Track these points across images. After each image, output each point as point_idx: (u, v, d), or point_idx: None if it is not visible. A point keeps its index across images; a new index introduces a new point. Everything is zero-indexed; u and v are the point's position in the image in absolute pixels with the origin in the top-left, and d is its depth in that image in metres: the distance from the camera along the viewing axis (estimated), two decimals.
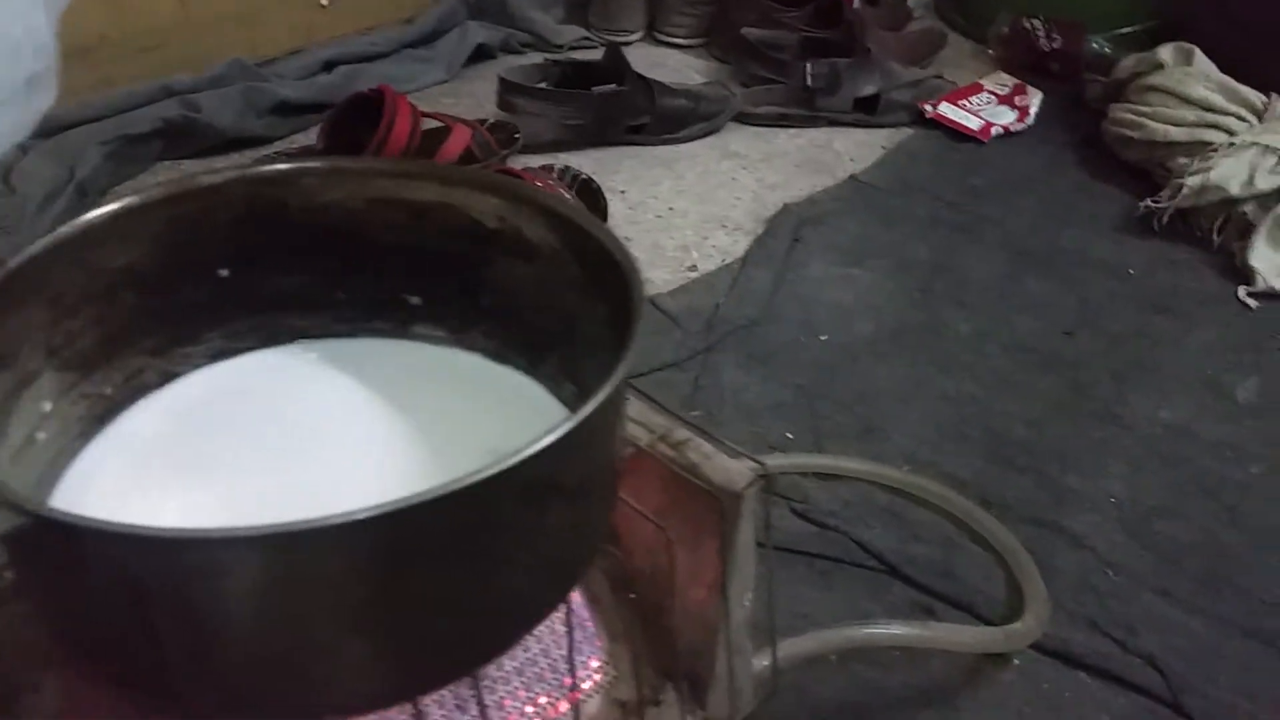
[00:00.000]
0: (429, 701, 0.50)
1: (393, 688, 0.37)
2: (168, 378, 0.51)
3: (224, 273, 0.49)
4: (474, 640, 0.37)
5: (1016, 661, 0.77)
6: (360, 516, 0.32)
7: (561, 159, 1.32)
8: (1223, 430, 1.00)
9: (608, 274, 0.41)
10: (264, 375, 0.51)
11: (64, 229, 0.44)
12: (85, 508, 0.45)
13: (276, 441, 0.48)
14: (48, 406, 0.46)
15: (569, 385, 0.49)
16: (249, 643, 0.36)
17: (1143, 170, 1.34)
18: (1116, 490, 0.92)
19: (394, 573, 0.34)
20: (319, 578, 0.34)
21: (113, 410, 0.49)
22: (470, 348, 0.52)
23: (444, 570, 0.35)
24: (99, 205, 0.45)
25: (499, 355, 0.51)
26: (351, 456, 0.48)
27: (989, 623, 0.80)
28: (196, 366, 0.51)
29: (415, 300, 0.51)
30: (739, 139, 1.45)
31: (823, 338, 1.09)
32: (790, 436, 0.97)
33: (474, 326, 0.51)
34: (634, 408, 0.56)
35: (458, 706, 0.50)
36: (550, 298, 0.47)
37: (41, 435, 0.46)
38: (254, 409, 0.50)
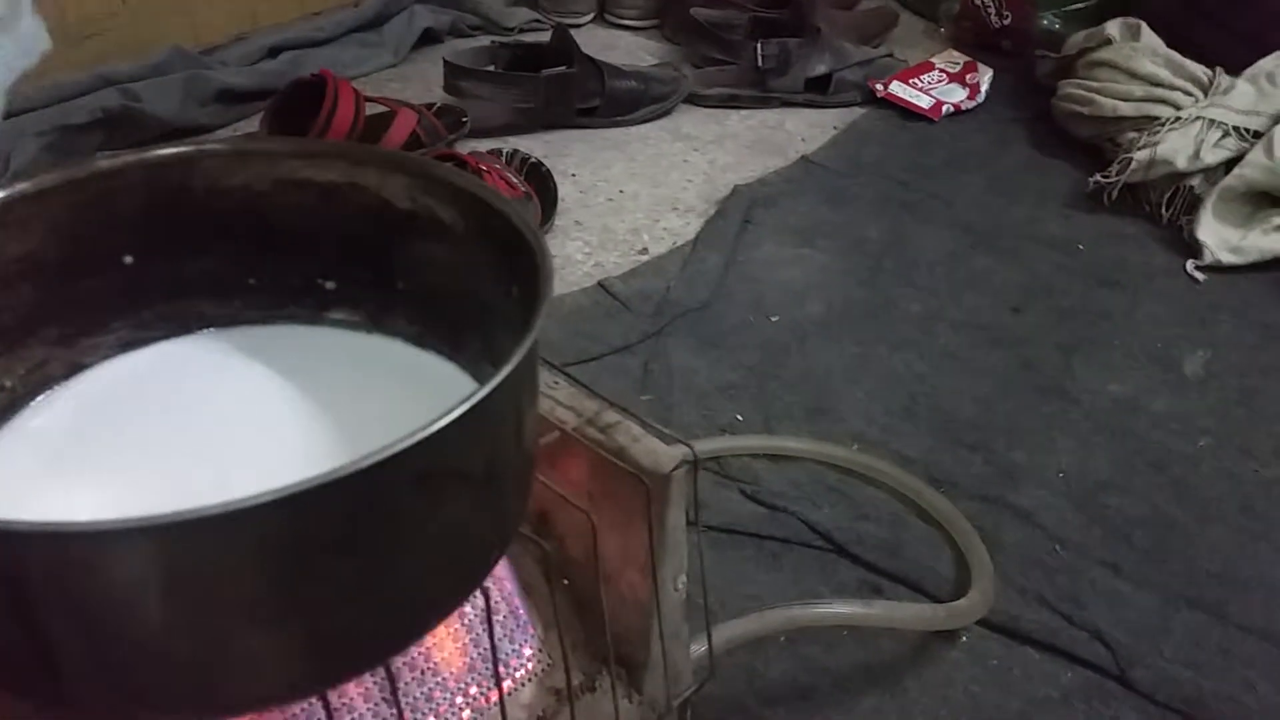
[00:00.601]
0: (355, 694, 0.49)
1: (296, 682, 0.36)
2: (74, 369, 0.49)
3: (129, 260, 0.47)
4: (379, 631, 0.36)
5: (964, 638, 0.77)
6: (244, 505, 0.30)
7: (511, 143, 1.31)
8: (1170, 403, 1.00)
9: (518, 253, 0.40)
10: (174, 365, 0.49)
11: None
12: None
13: (187, 434, 0.47)
14: None
15: (489, 368, 0.48)
16: (141, 640, 0.34)
17: (1093, 146, 1.34)
18: (1065, 465, 0.93)
19: (287, 562, 0.33)
20: (205, 569, 0.32)
21: (16, 403, 0.48)
22: (390, 333, 0.51)
23: (341, 559, 0.33)
24: None
25: (419, 340, 0.50)
26: (264, 448, 0.46)
27: (936, 600, 0.79)
28: (105, 357, 0.50)
29: (330, 285, 0.50)
30: (691, 121, 1.44)
31: (773, 319, 1.09)
32: (740, 418, 0.96)
33: (393, 311, 0.50)
34: (562, 391, 0.55)
35: (385, 700, 0.49)
36: (466, 279, 0.46)
37: None
38: (164, 400, 0.48)
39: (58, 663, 0.35)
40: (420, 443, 0.31)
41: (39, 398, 0.48)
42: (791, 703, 0.73)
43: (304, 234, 0.48)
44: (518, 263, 0.41)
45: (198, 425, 0.48)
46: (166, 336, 0.50)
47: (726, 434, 0.94)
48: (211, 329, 0.50)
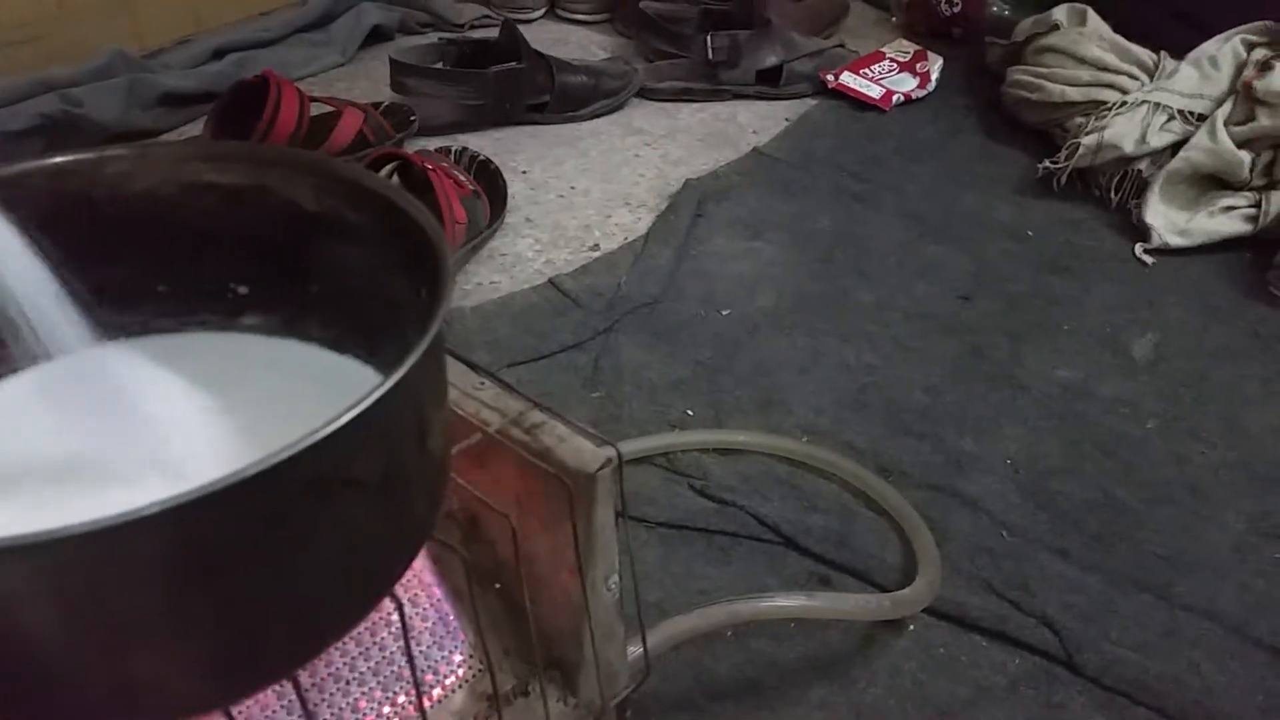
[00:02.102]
0: (277, 707, 0.48)
1: (198, 697, 0.35)
2: None
3: None
4: (280, 644, 0.36)
5: (911, 627, 0.77)
6: (122, 520, 0.30)
7: (460, 140, 1.30)
8: (1119, 388, 1.01)
9: (423, 253, 0.39)
10: (83, 376, 0.48)
11: None
12: None
13: (95, 446, 0.46)
14: None
15: None
16: (32, 662, 0.34)
17: (1042, 132, 1.35)
18: (1013, 452, 0.93)
19: (176, 576, 0.32)
20: (91, 587, 0.31)
21: None
22: (306, 337, 0.50)
23: (231, 572, 0.33)
24: None
25: (336, 344, 0.49)
26: (175, 460, 0.45)
27: (884, 589, 0.79)
28: (11, 371, 0.48)
29: (243, 289, 0.49)
30: (642, 115, 1.43)
31: (724, 312, 1.08)
32: (691, 413, 0.96)
33: (308, 315, 0.49)
34: (489, 392, 0.54)
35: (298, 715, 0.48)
36: (378, 281, 0.45)
37: None
38: (72, 412, 0.47)
39: None
40: (305, 450, 0.30)
41: None
42: (739, 697, 0.73)
43: (213, 238, 0.47)
44: (424, 264, 0.40)
45: (106, 436, 0.46)
46: (74, 347, 0.49)
47: (677, 429, 0.93)
48: (122, 338, 0.49)
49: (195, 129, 1.30)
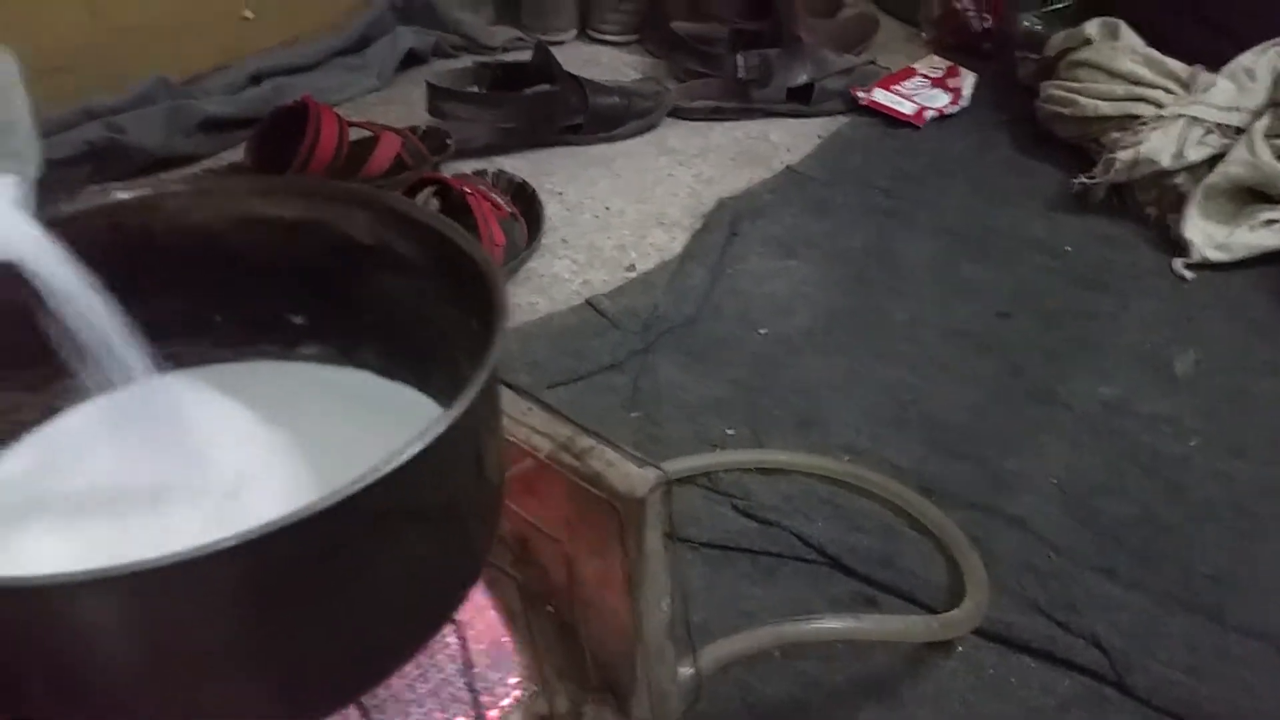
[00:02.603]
0: None
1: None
2: (48, 413, 0.49)
3: None
4: (348, 670, 0.36)
5: (960, 648, 0.77)
6: (199, 553, 0.30)
7: (496, 163, 1.31)
8: (1161, 405, 1.00)
9: (476, 286, 0.40)
10: (146, 406, 0.49)
11: None
12: None
13: (159, 474, 0.47)
14: None
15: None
16: (110, 688, 0.34)
17: (1077, 147, 1.34)
18: (1056, 470, 0.92)
19: (248, 607, 0.33)
20: (168, 617, 0.32)
21: None
22: (360, 365, 0.50)
23: (301, 602, 0.33)
24: None
25: (389, 372, 0.50)
26: (237, 487, 0.46)
27: (931, 610, 0.79)
28: (78, 401, 0.50)
29: (299, 320, 0.49)
30: (675, 134, 1.44)
31: (761, 331, 1.09)
32: (730, 432, 0.96)
33: (362, 344, 0.50)
34: (537, 417, 0.54)
35: None
36: (430, 312, 0.46)
37: None
38: (136, 441, 0.48)
39: (31, 710, 0.35)
40: (374, 483, 0.31)
41: (11, 444, 0.48)
42: (787, 718, 0.72)
43: (269, 270, 0.48)
44: (476, 295, 0.41)
45: (169, 464, 0.47)
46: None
47: (717, 449, 0.94)
48: (183, 368, 0.50)
49: (235, 154, 1.31)
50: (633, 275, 1.17)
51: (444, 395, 0.48)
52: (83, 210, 0.44)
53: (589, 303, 1.12)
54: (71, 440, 0.49)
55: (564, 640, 0.56)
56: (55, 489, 0.47)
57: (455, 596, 0.38)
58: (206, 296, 0.48)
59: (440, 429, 0.32)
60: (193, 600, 0.33)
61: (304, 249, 0.47)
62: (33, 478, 0.47)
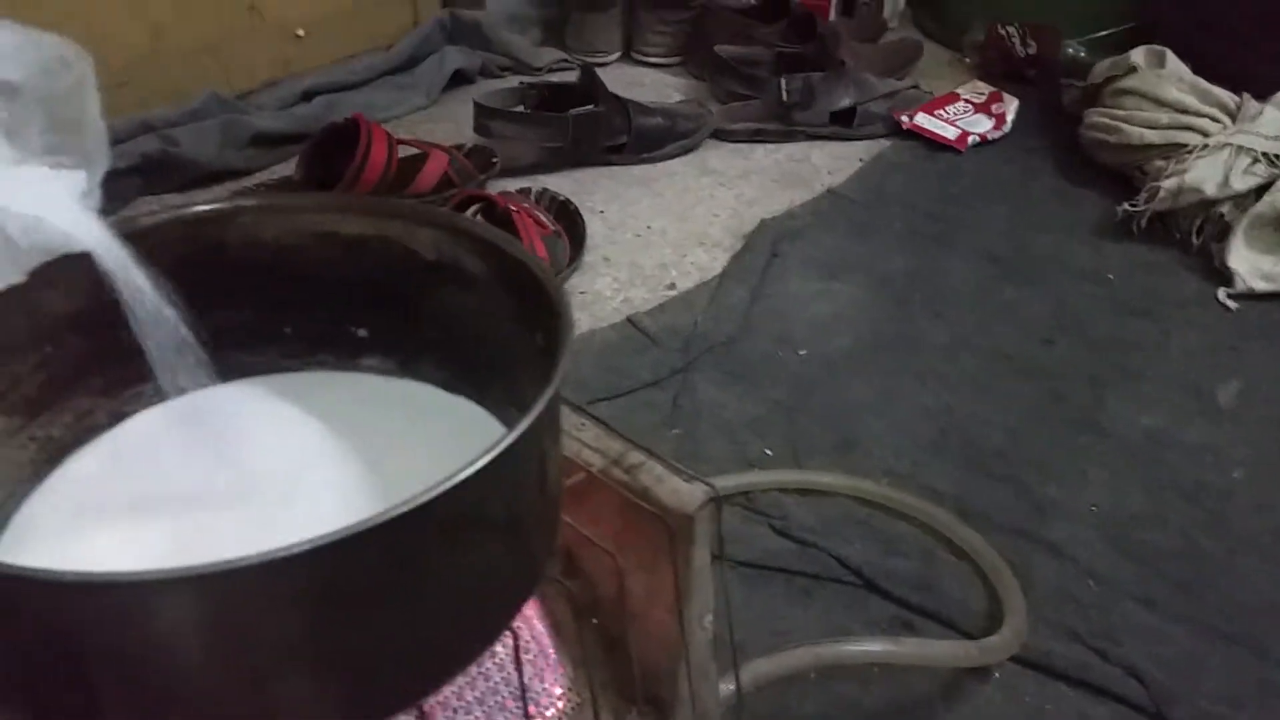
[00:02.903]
0: None
1: None
2: (117, 417, 0.51)
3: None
4: (410, 674, 0.37)
5: (997, 675, 0.77)
6: (278, 555, 0.31)
7: (540, 181, 1.33)
8: (1204, 435, 0.99)
9: (540, 304, 0.41)
10: (211, 411, 0.51)
11: None
12: (28, 551, 0.45)
13: (222, 478, 0.48)
14: None
15: (515, 412, 0.49)
16: (180, 685, 0.36)
17: (1120, 174, 1.34)
18: (1097, 498, 0.92)
19: (319, 609, 0.34)
20: (242, 617, 0.33)
21: (62, 452, 0.49)
22: (420, 377, 0.52)
23: (371, 606, 0.34)
24: None
25: (448, 385, 0.51)
26: (298, 492, 0.47)
27: (968, 636, 0.79)
28: (146, 405, 0.51)
29: (361, 333, 0.51)
30: (716, 156, 1.45)
31: (801, 352, 1.09)
32: (769, 452, 0.96)
33: (422, 357, 0.51)
34: (588, 433, 0.55)
35: None
36: (491, 327, 0.47)
37: None
38: (200, 446, 0.49)
39: (101, 707, 0.36)
40: (445, 493, 0.32)
41: (83, 446, 0.50)
42: None
43: (335, 284, 0.49)
44: (540, 312, 0.42)
45: (233, 469, 0.49)
46: (205, 384, 0.51)
47: (755, 468, 0.94)
48: (248, 376, 0.52)
49: (286, 169, 1.34)
50: (673, 294, 1.19)
51: (501, 408, 0.50)
52: (160, 222, 0.46)
53: (630, 320, 1.14)
54: (138, 444, 0.50)
55: (609, 653, 0.57)
56: (122, 490, 0.49)
57: (515, 605, 0.39)
58: (274, 308, 0.50)
59: (510, 440, 0.33)
60: (267, 602, 0.34)
61: (369, 264, 0.48)
62: (100, 479, 0.49)
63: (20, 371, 0.47)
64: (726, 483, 0.91)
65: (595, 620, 0.58)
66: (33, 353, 0.47)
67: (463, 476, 0.32)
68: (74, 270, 0.47)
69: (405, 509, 0.32)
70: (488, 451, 0.33)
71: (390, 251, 0.48)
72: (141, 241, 0.47)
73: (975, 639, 0.78)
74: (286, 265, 0.48)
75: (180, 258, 0.48)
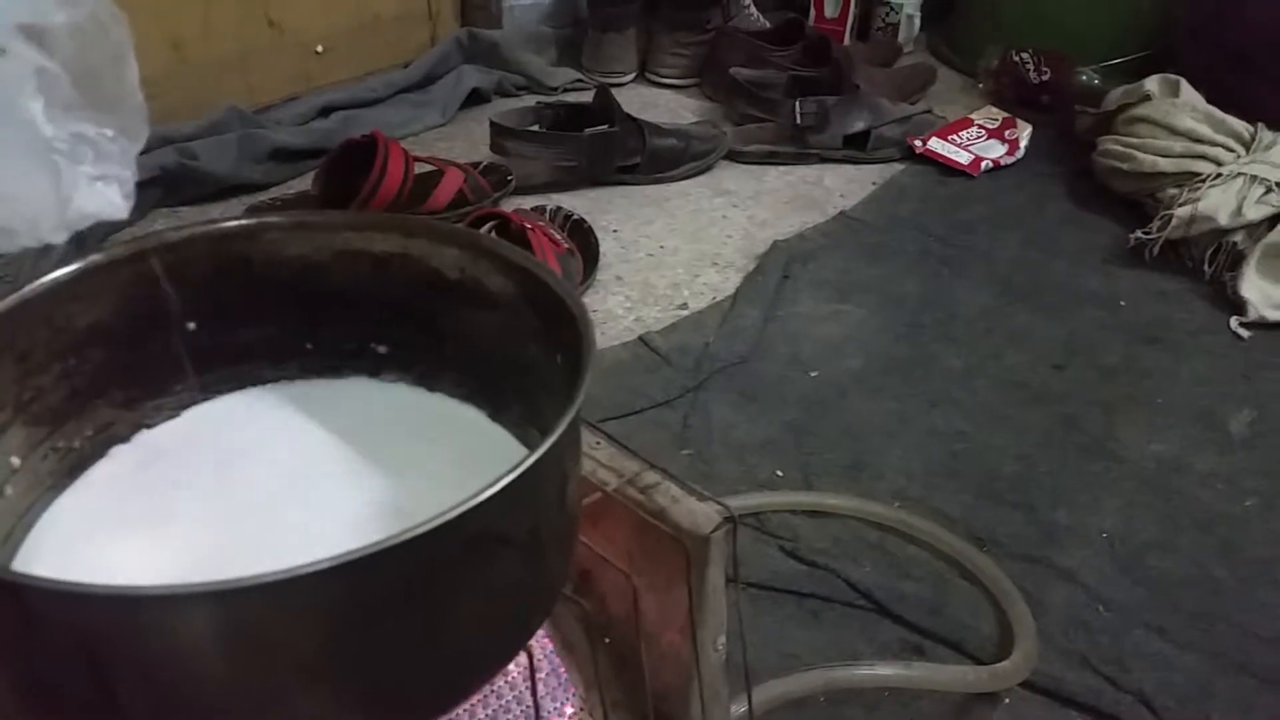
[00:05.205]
0: None
1: None
2: (138, 429, 0.51)
3: (191, 326, 0.49)
4: (429, 690, 0.37)
5: (1007, 700, 0.76)
6: (305, 571, 0.32)
7: (554, 199, 1.33)
8: (1216, 463, 0.99)
9: (563, 324, 0.42)
10: (230, 422, 0.51)
11: (28, 287, 0.44)
12: (46, 561, 0.45)
13: (240, 488, 0.48)
14: (17, 461, 0.46)
15: (534, 431, 0.49)
16: (204, 696, 0.36)
17: (1133, 202, 1.34)
18: (1108, 525, 0.92)
19: (343, 624, 0.34)
20: (266, 631, 0.34)
21: (83, 463, 0.50)
22: (438, 392, 0.52)
23: (393, 621, 0.35)
24: (66, 264, 0.45)
25: (466, 400, 0.52)
26: (314, 503, 0.48)
27: (979, 661, 0.79)
28: (167, 418, 0.52)
29: (382, 349, 0.51)
30: (730, 177, 1.46)
31: (812, 374, 1.09)
32: (780, 474, 0.97)
33: (442, 372, 0.52)
34: (603, 452, 0.56)
35: None
36: (511, 345, 0.47)
37: (10, 490, 0.46)
38: (218, 456, 0.50)
39: (125, 718, 0.36)
40: (471, 509, 0.32)
41: (103, 457, 0.50)
42: None
43: (358, 301, 0.50)
44: (562, 332, 0.42)
45: (252, 477, 0.49)
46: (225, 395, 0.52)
47: (766, 490, 0.94)
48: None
49: (303, 183, 1.35)
50: (685, 313, 1.19)
51: (518, 425, 0.50)
52: (187, 236, 0.47)
53: (642, 339, 1.14)
54: (157, 454, 0.50)
55: (620, 672, 0.57)
56: (142, 501, 0.49)
57: (533, 622, 0.40)
58: (297, 324, 0.50)
59: (534, 459, 0.34)
60: (290, 618, 0.34)
61: (392, 281, 0.49)
62: (120, 489, 0.49)
63: (44, 383, 0.47)
64: (737, 503, 0.91)
65: (607, 639, 0.58)
66: (56, 365, 0.47)
67: (488, 494, 0.33)
68: (96, 283, 0.47)
69: (430, 526, 0.32)
70: (512, 470, 0.34)
71: (413, 269, 0.48)
72: (169, 255, 0.48)
73: (986, 664, 0.78)
74: (310, 282, 0.49)
75: (207, 273, 0.48)
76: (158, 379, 0.51)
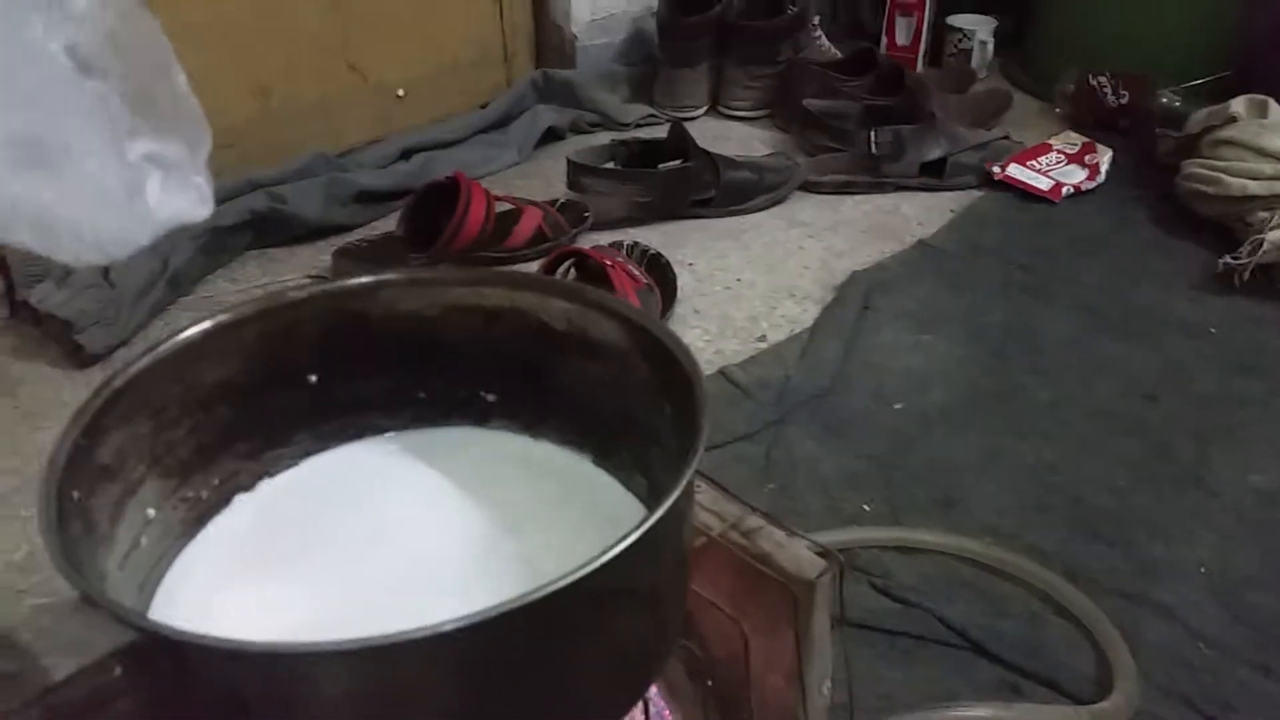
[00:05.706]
0: None
1: None
2: (260, 478, 0.53)
3: (312, 379, 0.51)
4: None
5: None
6: (445, 629, 0.33)
7: (630, 235, 1.35)
8: None
9: (672, 375, 0.43)
10: (348, 470, 0.53)
11: (163, 346, 0.47)
12: (179, 609, 0.47)
13: (359, 535, 0.50)
14: (151, 512, 0.48)
15: (639, 478, 0.50)
16: None
17: (1220, 226, 1.32)
18: (1206, 559, 0.90)
19: (476, 679, 0.35)
20: (404, 686, 0.35)
21: (209, 511, 0.52)
22: (544, 439, 0.53)
23: (525, 674, 0.36)
24: (195, 323, 0.47)
25: (572, 448, 0.53)
26: (431, 550, 0.49)
27: (1078, 700, 0.78)
28: (288, 467, 0.54)
29: (491, 398, 0.53)
30: (805, 208, 1.46)
31: (896, 406, 1.09)
32: (867, 509, 0.96)
33: (547, 421, 0.53)
34: (706, 495, 0.56)
35: None
36: (618, 395, 0.48)
37: (145, 540, 0.48)
38: (338, 503, 0.52)
39: None
40: (603, 565, 0.33)
41: (228, 506, 0.52)
42: None
43: (469, 352, 0.51)
44: (673, 384, 0.43)
45: (369, 527, 0.51)
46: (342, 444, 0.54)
47: (853, 524, 0.94)
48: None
49: (387, 224, 1.39)
50: (764, 346, 1.19)
51: (625, 473, 0.51)
52: (309, 295, 0.49)
53: (722, 372, 1.14)
54: (280, 503, 0.53)
55: (725, 715, 0.57)
56: (266, 548, 0.51)
57: (653, 670, 0.40)
58: (410, 375, 0.52)
59: (658, 515, 0.35)
60: (424, 673, 0.35)
61: (502, 334, 0.50)
62: (245, 538, 0.51)
63: (176, 437, 0.49)
64: (827, 539, 0.90)
65: (710, 682, 0.58)
66: (187, 420, 0.49)
67: (618, 550, 0.34)
68: (224, 341, 0.50)
69: (564, 583, 0.33)
70: (640, 525, 0.34)
71: (522, 322, 0.50)
72: (291, 314, 0.50)
73: (1085, 704, 0.76)
74: (423, 335, 0.51)
75: (326, 329, 0.50)
76: (279, 430, 0.53)
